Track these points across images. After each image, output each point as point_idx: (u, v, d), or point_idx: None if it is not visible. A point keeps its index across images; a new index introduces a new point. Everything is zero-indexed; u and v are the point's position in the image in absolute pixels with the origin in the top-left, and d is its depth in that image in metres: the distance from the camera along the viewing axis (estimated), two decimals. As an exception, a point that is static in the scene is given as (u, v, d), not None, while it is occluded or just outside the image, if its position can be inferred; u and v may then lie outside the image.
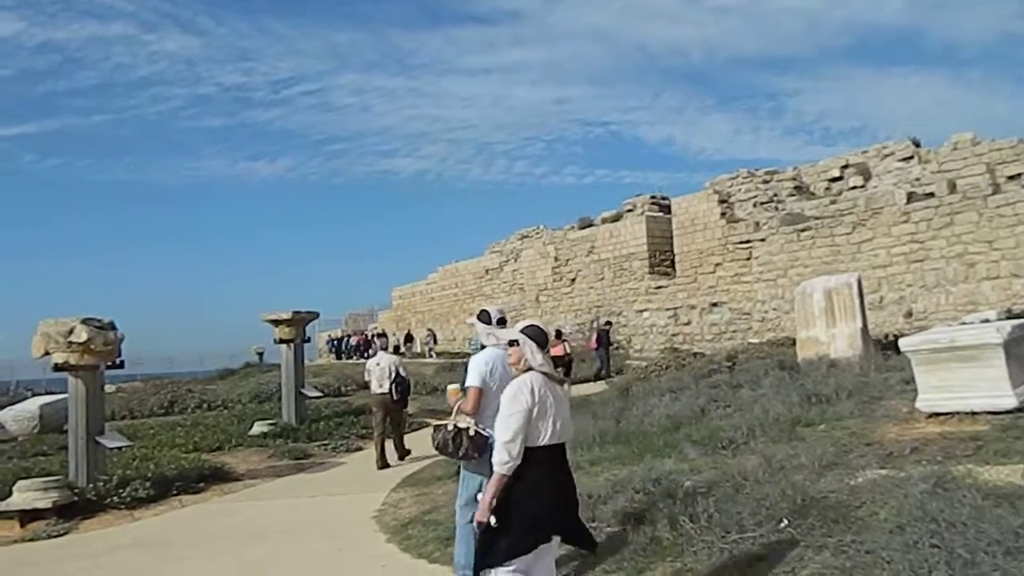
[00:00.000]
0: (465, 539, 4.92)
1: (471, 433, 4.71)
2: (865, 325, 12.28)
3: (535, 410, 3.53)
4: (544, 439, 3.57)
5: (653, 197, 28.17)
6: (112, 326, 9.73)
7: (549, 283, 30.91)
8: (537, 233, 34.26)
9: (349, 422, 13.88)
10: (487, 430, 4.61)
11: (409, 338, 37.39)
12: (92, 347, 9.37)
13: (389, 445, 11.11)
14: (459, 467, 5.18)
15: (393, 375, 11.08)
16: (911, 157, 21.93)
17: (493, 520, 3.51)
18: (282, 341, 13.78)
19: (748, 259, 23.37)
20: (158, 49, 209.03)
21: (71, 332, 9.33)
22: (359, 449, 12.51)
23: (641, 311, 26.57)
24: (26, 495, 8.83)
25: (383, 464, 10.79)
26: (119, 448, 10.15)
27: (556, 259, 30.59)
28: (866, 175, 22.93)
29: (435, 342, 35.52)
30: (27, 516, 8.77)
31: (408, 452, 11.24)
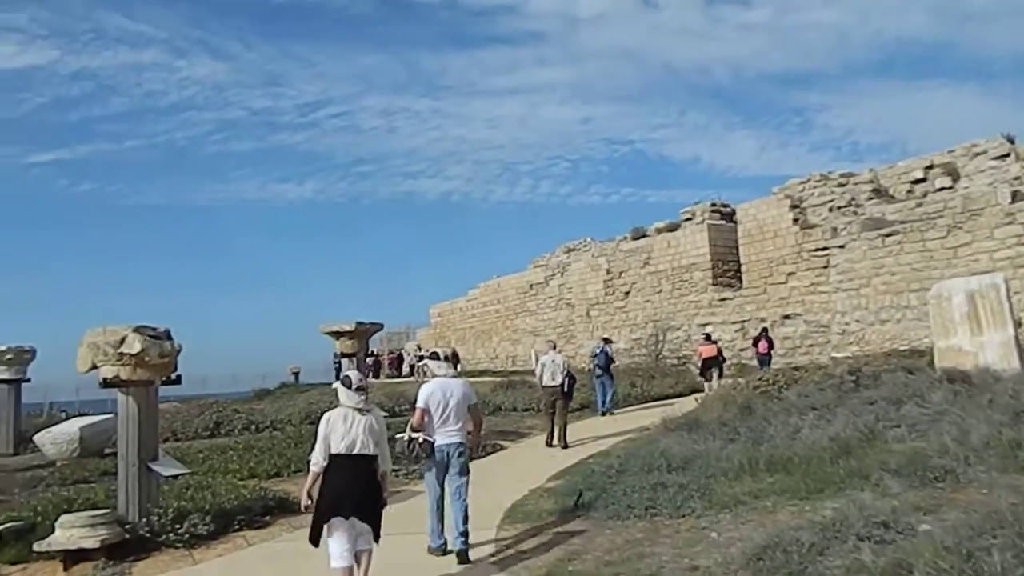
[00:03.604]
0: (433, 516, 6.68)
1: (420, 441, 6.55)
2: (1016, 332, 10.70)
3: (328, 430, 5.37)
4: (335, 449, 5.30)
5: (714, 204, 26.67)
6: (168, 335, 8.44)
7: (601, 297, 29.43)
8: (584, 246, 32.84)
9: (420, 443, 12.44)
10: (432, 437, 6.52)
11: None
12: (146, 359, 8.08)
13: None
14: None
15: (564, 371, 13.18)
16: (1007, 155, 20.28)
17: (310, 502, 5.39)
18: (344, 355, 12.47)
19: (825, 267, 21.75)
20: (188, 75, 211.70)
21: (122, 342, 8.04)
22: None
23: (703, 325, 24.94)
24: (70, 532, 7.51)
25: (551, 443, 12.79)
26: (174, 477, 8.82)
27: (608, 272, 29.12)
28: (954, 175, 21.29)
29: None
30: (71, 557, 7.46)
31: (567, 444, 12.57)
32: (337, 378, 26.36)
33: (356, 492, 5.23)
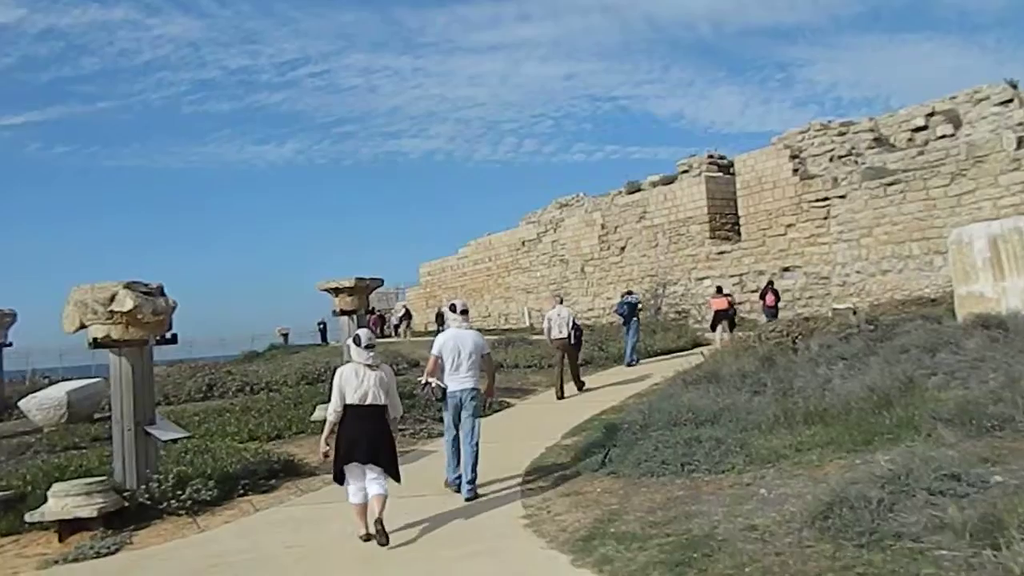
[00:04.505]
0: (450, 449, 7.28)
1: (433, 385, 7.08)
2: (1041, 277, 10.35)
3: (342, 383, 5.93)
4: (349, 400, 5.87)
5: (711, 156, 26.12)
6: (161, 291, 7.91)
7: (596, 252, 28.97)
8: (578, 201, 32.29)
9: (422, 404, 12.02)
10: (443, 383, 7.03)
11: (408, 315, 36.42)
12: (139, 317, 7.55)
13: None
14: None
15: (570, 324, 13.44)
16: (1010, 100, 19.84)
17: (328, 449, 6.06)
18: (343, 312, 11.92)
19: (825, 219, 21.38)
20: (162, 33, 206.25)
21: (112, 299, 7.51)
22: (441, 435, 10.69)
23: (701, 279, 24.63)
24: (65, 501, 7.06)
25: (561, 395, 13.02)
26: (174, 441, 8.37)
27: (603, 227, 28.61)
28: (956, 123, 20.86)
29: (410, 321, 35.03)
30: (67, 527, 7.04)
31: (583, 384, 13.55)
32: (323, 340, 26.61)
33: (370, 438, 5.82)
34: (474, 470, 6.92)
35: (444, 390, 7.01)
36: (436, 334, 33.59)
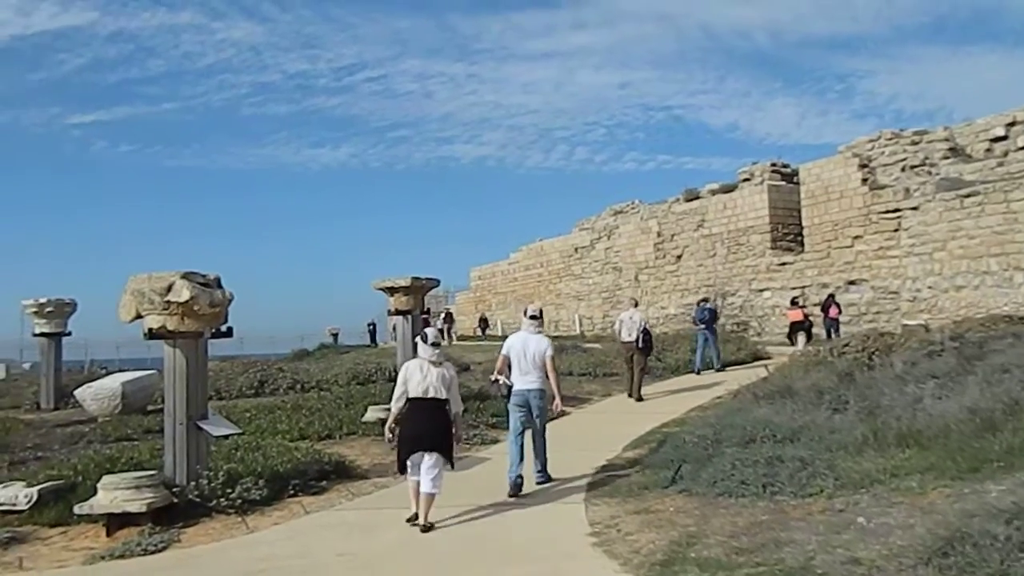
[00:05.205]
0: (514, 447, 7.43)
1: (501, 382, 7.75)
2: None
3: (406, 377, 6.48)
4: (411, 394, 6.41)
5: (774, 164, 25.33)
6: (218, 283, 7.70)
7: (651, 260, 28.35)
8: (633, 208, 31.68)
9: (475, 408, 11.68)
10: (510, 381, 7.63)
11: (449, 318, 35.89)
12: (195, 308, 7.35)
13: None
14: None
15: (640, 328, 13.36)
16: (1101, 110, 18.72)
17: (391, 436, 6.68)
18: (398, 312, 11.66)
19: (895, 231, 20.49)
20: (225, 37, 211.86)
21: (169, 289, 7.31)
22: (495, 441, 10.34)
23: (761, 290, 23.88)
24: (114, 494, 6.87)
25: (630, 394, 13.35)
26: (225, 437, 8.14)
27: (659, 235, 27.99)
28: (1040, 133, 19.79)
29: (451, 325, 34.26)
30: (115, 521, 6.83)
31: (641, 398, 13.13)
32: (372, 341, 26.92)
33: (432, 429, 6.32)
34: (544, 455, 7.60)
35: (510, 387, 7.58)
36: (481, 340, 33.29)
